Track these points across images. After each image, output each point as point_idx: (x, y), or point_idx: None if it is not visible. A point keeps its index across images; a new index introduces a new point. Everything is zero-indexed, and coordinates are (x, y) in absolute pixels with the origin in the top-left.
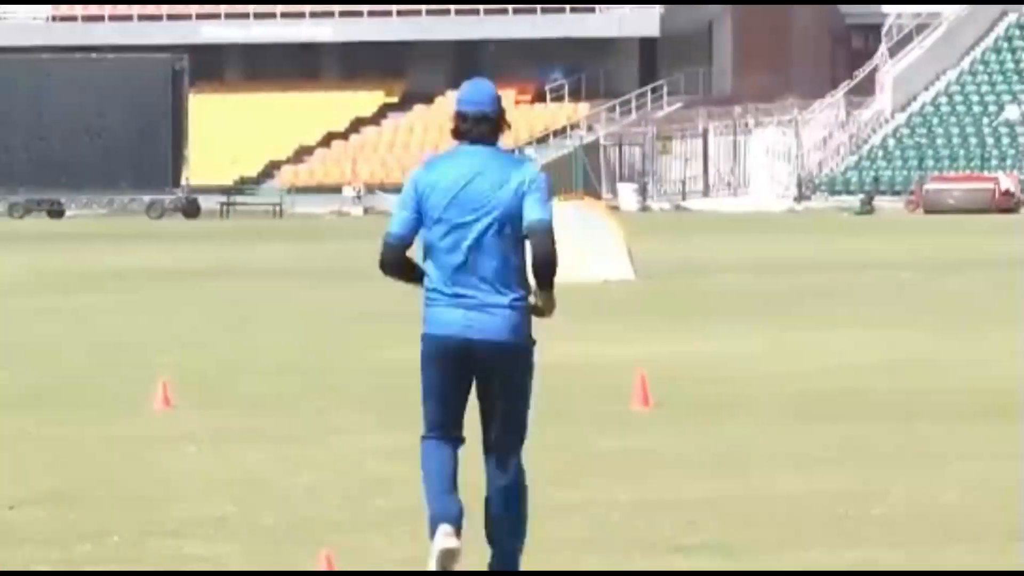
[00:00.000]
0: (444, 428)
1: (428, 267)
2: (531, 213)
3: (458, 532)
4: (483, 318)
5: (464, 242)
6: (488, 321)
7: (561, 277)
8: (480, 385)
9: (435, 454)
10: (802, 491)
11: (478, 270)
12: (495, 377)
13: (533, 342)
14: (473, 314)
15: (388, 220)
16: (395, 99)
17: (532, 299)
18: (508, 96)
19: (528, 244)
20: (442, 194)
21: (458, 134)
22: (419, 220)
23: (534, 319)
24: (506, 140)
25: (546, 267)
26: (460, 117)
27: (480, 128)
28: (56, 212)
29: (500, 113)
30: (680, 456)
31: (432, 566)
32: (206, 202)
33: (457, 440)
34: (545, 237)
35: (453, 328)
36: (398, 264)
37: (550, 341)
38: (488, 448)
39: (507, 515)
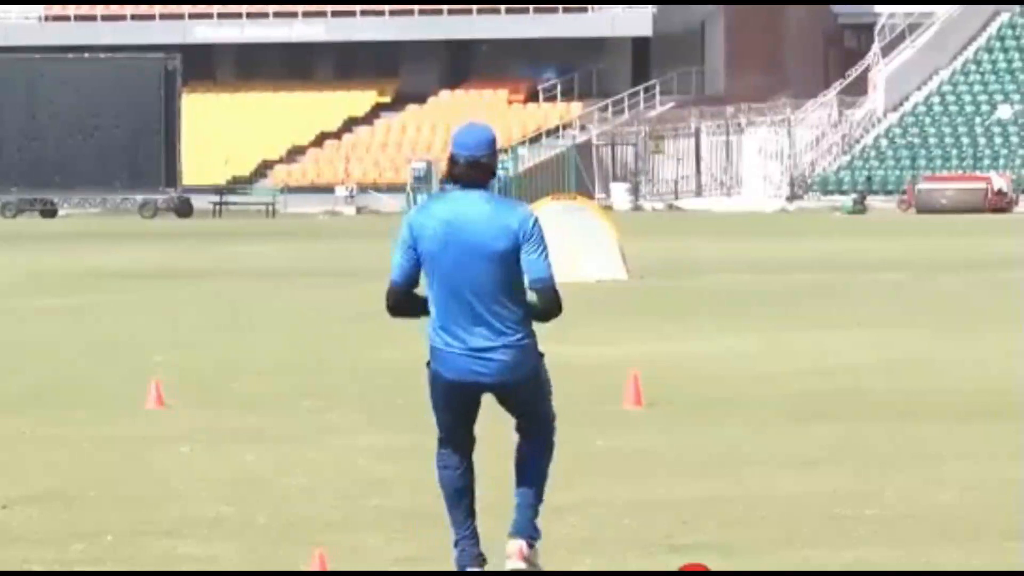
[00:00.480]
0: (454, 444)
1: (431, 306)
2: (534, 270)
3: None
4: (488, 363)
5: (462, 286)
6: (494, 365)
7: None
8: (499, 401)
9: (449, 462)
10: (797, 491)
11: (478, 313)
12: (510, 399)
13: (541, 356)
14: (479, 362)
15: (378, 219)
16: (388, 99)
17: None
18: (501, 96)
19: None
20: (436, 237)
21: (451, 177)
22: (418, 263)
23: None
24: (499, 139)
25: (549, 319)
26: (453, 161)
27: (472, 173)
28: (49, 212)
29: (493, 158)
30: (674, 456)
31: None
32: (199, 202)
33: (469, 450)
34: (552, 295)
35: (460, 373)
36: (404, 307)
37: (544, 343)
38: (518, 429)
39: (533, 465)
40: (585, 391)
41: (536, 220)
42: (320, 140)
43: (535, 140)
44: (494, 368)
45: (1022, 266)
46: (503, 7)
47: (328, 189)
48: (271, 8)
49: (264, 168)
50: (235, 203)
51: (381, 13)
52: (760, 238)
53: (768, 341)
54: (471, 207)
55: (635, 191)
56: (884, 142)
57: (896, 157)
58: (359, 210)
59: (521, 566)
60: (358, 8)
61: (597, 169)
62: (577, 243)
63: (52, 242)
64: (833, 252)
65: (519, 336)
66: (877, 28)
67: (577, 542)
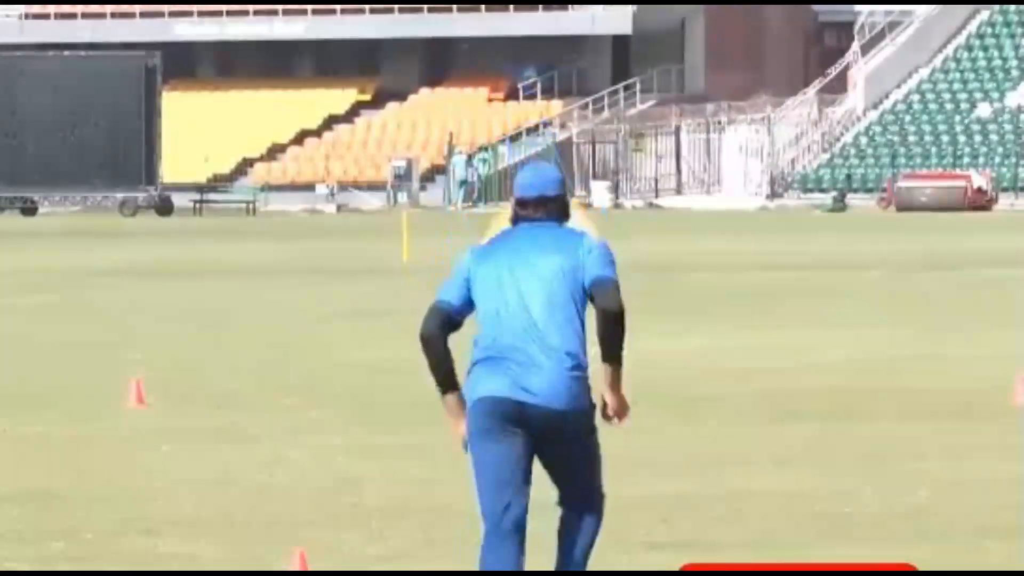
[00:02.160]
0: None
1: (482, 336)
2: (595, 270)
3: None
4: (541, 376)
5: (524, 309)
6: (547, 383)
7: None
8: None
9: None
10: (777, 489)
11: (540, 336)
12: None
13: (593, 407)
14: (531, 371)
15: (358, 217)
16: (368, 96)
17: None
18: (481, 94)
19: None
20: (495, 273)
21: (516, 220)
22: (469, 295)
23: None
24: (478, 137)
25: (614, 324)
26: (520, 204)
27: (540, 211)
28: (29, 210)
29: (563, 195)
30: (654, 454)
31: None
32: (179, 200)
33: None
34: (613, 291)
35: (506, 383)
36: (440, 340)
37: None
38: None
39: None
40: None
41: (606, 243)
42: (300, 138)
43: (515, 138)
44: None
45: (1002, 264)
46: (483, 5)
47: (309, 187)
48: (251, 6)
49: (244, 166)
50: (215, 201)
51: (361, 11)
52: (740, 236)
53: (748, 339)
54: (536, 235)
55: (615, 189)
56: (864, 140)
57: (876, 155)
58: (340, 208)
59: None
60: (338, 6)
61: (577, 167)
62: None
63: (32, 240)
64: (813, 250)
65: (578, 364)
66: (857, 26)
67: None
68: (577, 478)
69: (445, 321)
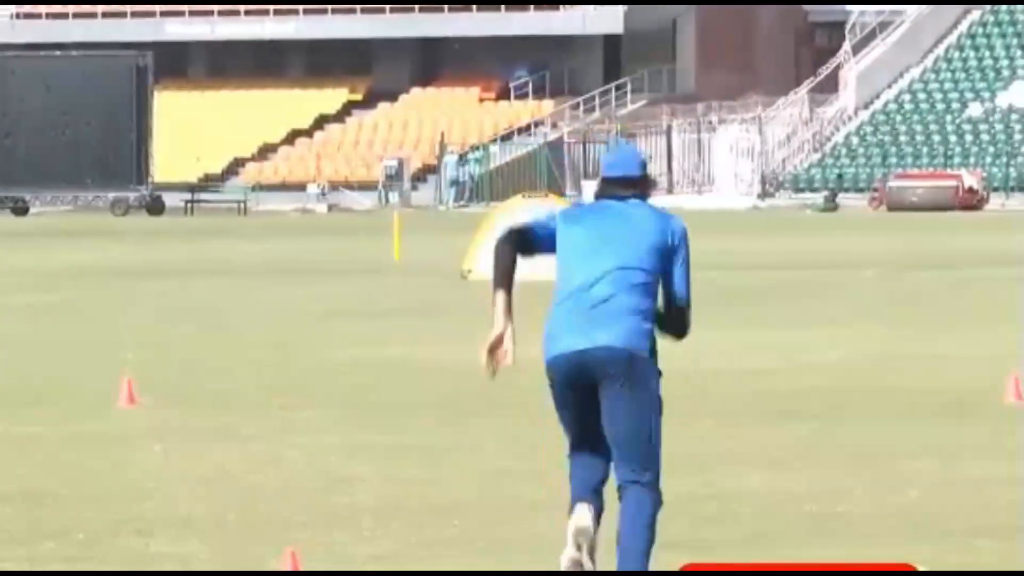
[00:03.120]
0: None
1: (559, 295)
2: (678, 284)
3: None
4: (610, 325)
5: (600, 280)
6: (615, 329)
7: (524, 275)
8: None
9: None
10: (768, 489)
11: (611, 307)
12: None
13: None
14: (601, 323)
15: (350, 217)
16: (359, 96)
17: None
18: (472, 93)
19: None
20: (583, 233)
21: (600, 197)
22: (552, 242)
23: None
24: (470, 137)
25: (677, 337)
26: (606, 182)
27: (626, 190)
28: (20, 209)
29: (646, 175)
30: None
31: (568, 543)
32: (170, 199)
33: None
34: (685, 313)
35: (580, 339)
36: (511, 246)
37: (517, 340)
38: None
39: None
40: None
41: (686, 231)
42: (292, 138)
43: (506, 138)
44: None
45: (993, 264)
46: (474, 4)
47: (300, 187)
48: (243, 6)
49: (236, 166)
50: (207, 201)
51: (353, 11)
52: (731, 236)
53: (739, 339)
54: (624, 210)
55: None
56: (855, 140)
57: (867, 155)
58: (331, 208)
59: None
60: (330, 6)
61: (568, 167)
62: None
63: (24, 239)
64: (804, 250)
65: (648, 330)
66: (848, 26)
67: (548, 540)
68: (629, 421)
69: (522, 237)
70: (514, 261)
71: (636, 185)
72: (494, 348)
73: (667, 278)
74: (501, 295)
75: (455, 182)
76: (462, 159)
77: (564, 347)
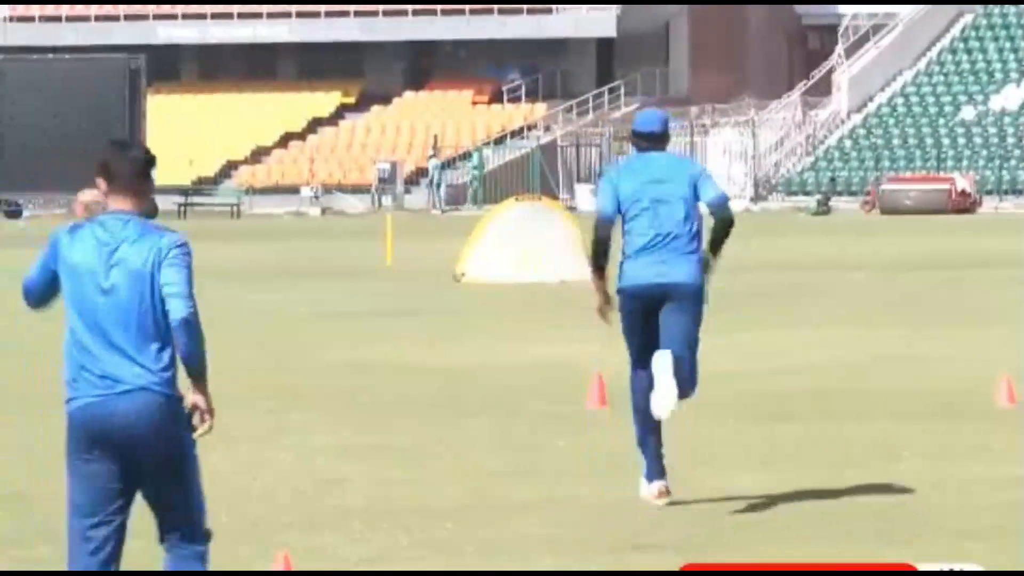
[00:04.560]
0: (643, 363)
1: (627, 235)
2: (710, 193)
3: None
4: (672, 269)
5: (656, 216)
6: (677, 270)
7: (518, 277)
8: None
9: (643, 385)
10: (758, 490)
11: (667, 235)
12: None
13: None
14: (664, 267)
15: (343, 220)
16: (352, 99)
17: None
18: (465, 97)
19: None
20: (634, 183)
21: (638, 147)
22: (618, 204)
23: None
24: (462, 141)
25: (727, 229)
26: (636, 135)
27: (653, 143)
28: (14, 212)
29: (667, 131)
30: (637, 456)
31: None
32: (163, 202)
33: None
34: (726, 206)
35: (648, 279)
36: (607, 240)
37: (508, 342)
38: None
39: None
40: (548, 391)
41: (704, 169)
42: (285, 141)
43: (500, 141)
44: (677, 272)
45: (985, 266)
46: (467, 8)
47: (293, 190)
48: (235, 9)
49: (229, 169)
50: (200, 204)
51: (345, 14)
52: None
53: (730, 341)
54: (660, 162)
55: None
56: (848, 143)
57: (860, 158)
58: (324, 211)
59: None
60: (322, 9)
61: (562, 170)
62: (541, 244)
63: (16, 243)
64: (797, 253)
65: (695, 250)
66: (841, 29)
67: (540, 541)
68: (680, 330)
69: (610, 231)
70: (607, 248)
71: (659, 139)
72: (603, 311)
73: (714, 206)
74: (596, 277)
75: (437, 186)
76: (444, 166)
77: (639, 280)
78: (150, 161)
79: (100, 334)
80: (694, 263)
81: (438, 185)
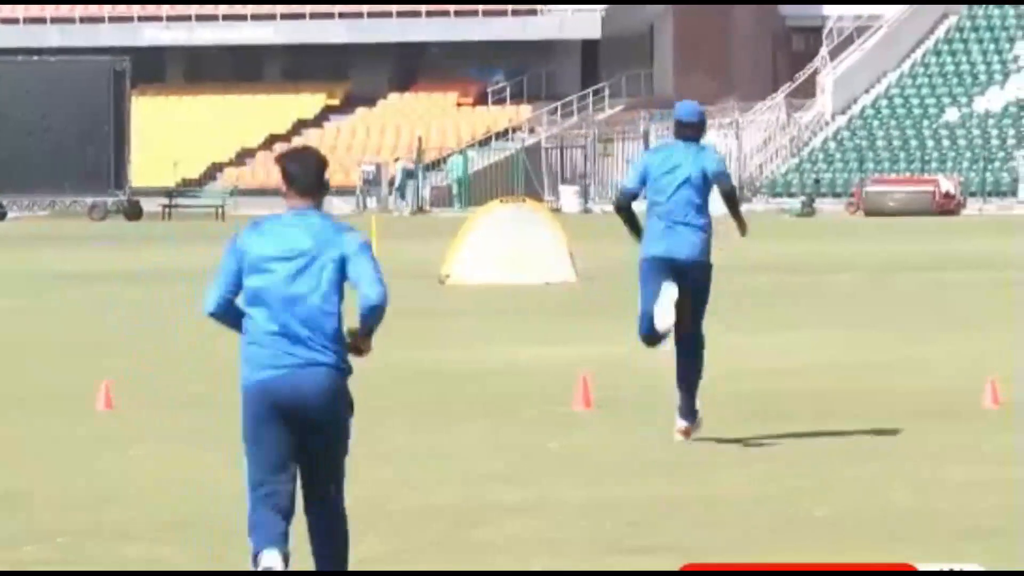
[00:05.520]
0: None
1: (652, 207)
2: (713, 166)
3: None
4: (682, 241)
5: (673, 192)
6: (687, 244)
7: (503, 279)
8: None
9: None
10: (750, 492)
11: (681, 208)
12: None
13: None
14: (677, 238)
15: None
16: (337, 101)
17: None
18: (450, 98)
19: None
20: (660, 164)
21: (677, 135)
22: (644, 182)
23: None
24: (448, 142)
25: (732, 197)
26: (677, 124)
27: (687, 132)
28: None
29: (703, 121)
30: (625, 457)
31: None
32: (148, 204)
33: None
34: (727, 179)
35: (662, 248)
36: (627, 208)
37: (493, 344)
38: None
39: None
40: (535, 393)
41: (715, 150)
42: (270, 143)
43: (484, 143)
44: (685, 246)
45: (969, 268)
46: (452, 9)
47: (278, 192)
48: (220, 10)
49: (214, 170)
50: (185, 205)
51: (330, 15)
52: None
53: (717, 343)
54: (683, 148)
55: (584, 194)
56: (832, 145)
57: (844, 160)
58: None
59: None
60: (308, 10)
61: (546, 172)
62: (526, 246)
63: (1, 244)
64: (782, 255)
65: (704, 223)
66: (825, 31)
67: (531, 543)
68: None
69: (630, 199)
70: (632, 213)
71: (695, 127)
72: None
73: (718, 181)
74: (629, 229)
75: (402, 191)
76: (409, 174)
77: (657, 253)
78: (322, 164)
79: (284, 319)
80: (701, 239)
81: (400, 188)
